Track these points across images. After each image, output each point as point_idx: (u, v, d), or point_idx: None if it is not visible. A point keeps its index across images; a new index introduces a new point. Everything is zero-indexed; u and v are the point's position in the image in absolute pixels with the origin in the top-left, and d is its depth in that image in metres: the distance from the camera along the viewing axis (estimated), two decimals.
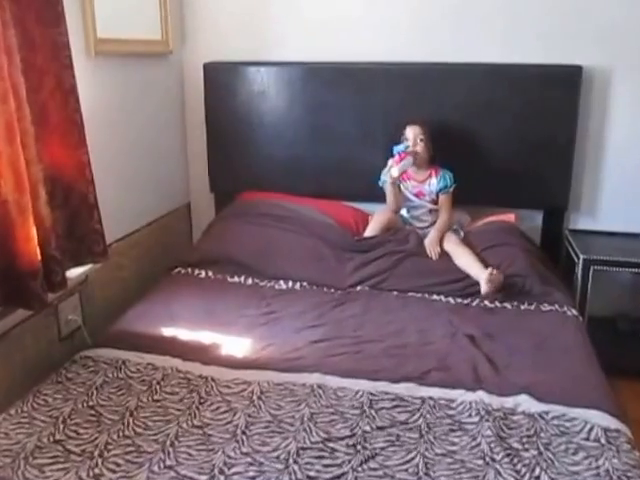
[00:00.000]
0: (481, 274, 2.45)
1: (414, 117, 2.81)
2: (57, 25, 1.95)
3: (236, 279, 2.62)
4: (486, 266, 2.48)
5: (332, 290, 2.54)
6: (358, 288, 2.55)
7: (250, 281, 2.61)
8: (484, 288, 2.41)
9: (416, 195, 2.86)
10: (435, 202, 2.85)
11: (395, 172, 2.65)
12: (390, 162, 2.70)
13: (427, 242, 2.71)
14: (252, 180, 3.18)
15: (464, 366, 1.99)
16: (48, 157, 1.97)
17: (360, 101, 2.97)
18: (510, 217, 2.92)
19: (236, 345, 2.14)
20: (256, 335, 2.18)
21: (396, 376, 1.93)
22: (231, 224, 2.93)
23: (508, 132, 2.89)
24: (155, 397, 1.85)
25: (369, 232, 2.82)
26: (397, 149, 2.69)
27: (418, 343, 2.14)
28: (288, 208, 2.98)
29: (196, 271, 2.67)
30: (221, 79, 3.12)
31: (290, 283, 2.59)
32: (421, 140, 2.76)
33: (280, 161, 3.12)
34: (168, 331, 2.20)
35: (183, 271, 2.68)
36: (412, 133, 2.76)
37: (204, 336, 2.18)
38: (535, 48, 2.87)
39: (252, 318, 2.31)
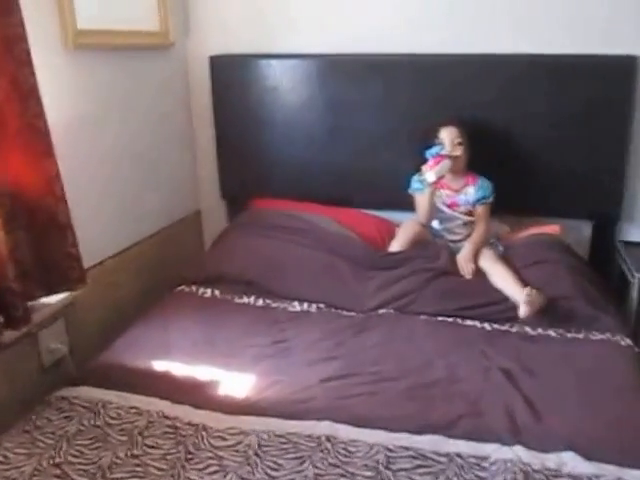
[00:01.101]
0: (519, 295, 2.31)
1: (449, 117, 2.68)
2: (8, 14, 1.74)
3: (245, 299, 2.52)
4: (525, 286, 2.33)
5: (352, 313, 2.42)
6: (381, 311, 2.42)
7: (260, 302, 2.50)
8: (522, 310, 2.26)
9: (449, 206, 2.74)
10: (470, 214, 2.73)
11: (432, 176, 2.51)
12: (424, 168, 2.58)
13: (460, 258, 2.58)
14: (265, 185, 3.12)
15: (499, 411, 1.82)
16: (3, 170, 1.81)
17: (385, 98, 2.86)
18: (554, 229, 2.78)
19: (237, 383, 1.98)
20: (261, 370, 2.04)
21: (419, 426, 1.75)
22: (240, 237, 2.84)
23: (551, 132, 2.74)
24: (134, 452, 1.67)
25: (395, 246, 2.71)
26: (430, 152, 2.56)
27: (446, 381, 1.98)
28: (304, 219, 2.88)
29: (201, 290, 2.57)
30: (229, 74, 3.04)
31: (305, 305, 2.48)
32: (459, 144, 2.62)
33: (295, 164, 3.04)
34: (160, 365, 2.06)
35: (187, 289, 2.58)
36: (448, 136, 2.63)
37: (201, 371, 2.03)
38: (582, 36, 2.71)
39: (259, 348, 2.18)
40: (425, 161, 2.60)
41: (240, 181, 3.17)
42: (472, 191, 2.69)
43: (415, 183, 2.72)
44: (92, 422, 1.78)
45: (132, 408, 1.83)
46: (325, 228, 2.83)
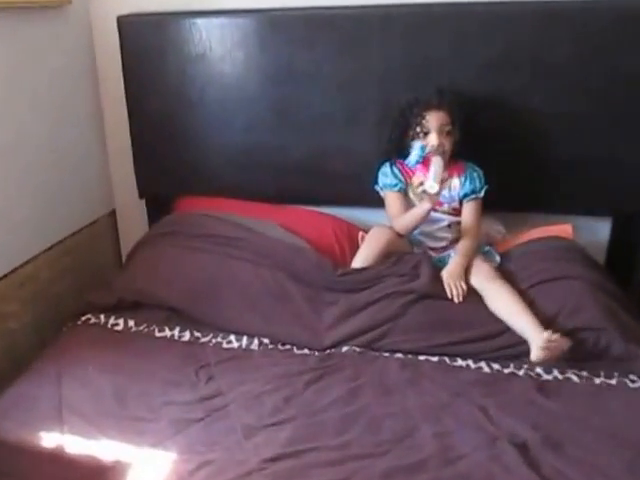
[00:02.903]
0: (532, 334, 2.12)
1: (437, 94, 2.52)
2: None
3: (167, 332, 2.36)
4: (536, 314, 2.17)
5: (305, 351, 2.26)
6: (344, 349, 2.25)
7: (187, 335, 2.34)
8: (536, 355, 2.08)
9: None
10: (456, 212, 2.58)
11: (434, 186, 2.36)
12: (415, 178, 2.51)
13: (446, 275, 2.40)
14: (193, 180, 2.98)
15: None
16: None
17: (345, 65, 2.69)
18: (565, 230, 2.64)
19: (149, 466, 1.75)
20: (184, 444, 1.81)
21: None
22: (161, 250, 2.66)
23: (562, 106, 2.59)
24: None
25: (360, 260, 2.52)
26: (413, 160, 2.47)
27: (437, 459, 1.73)
28: (242, 225, 2.73)
29: (111, 320, 2.40)
30: (143, 38, 2.85)
31: (244, 340, 2.31)
32: (448, 133, 2.49)
33: (231, 153, 2.91)
34: (47, 440, 1.83)
35: (93, 320, 2.40)
36: (436, 122, 2.48)
37: (103, 449, 1.80)
38: None
39: (183, 408, 1.96)
40: (401, 170, 2.55)
41: (161, 175, 3.02)
42: (458, 184, 2.56)
43: (385, 177, 2.59)
44: None
45: None
46: (269, 236, 2.70)
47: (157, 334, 2.34)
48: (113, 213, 3.19)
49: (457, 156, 2.56)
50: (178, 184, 3.00)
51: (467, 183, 2.53)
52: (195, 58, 2.79)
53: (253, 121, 2.84)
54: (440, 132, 2.48)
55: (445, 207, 2.56)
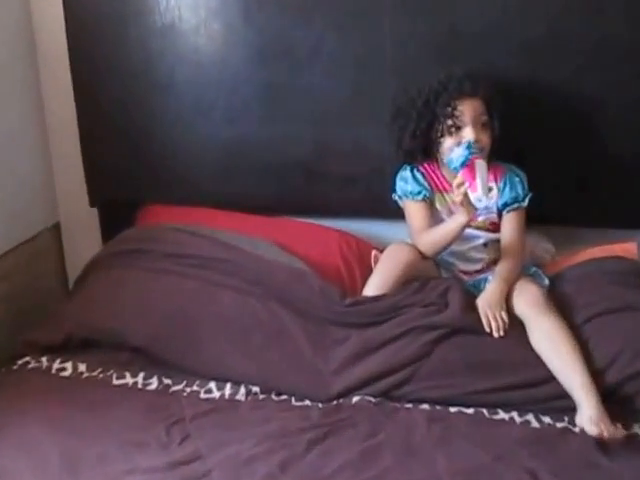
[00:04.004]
0: (583, 399, 2.12)
1: (470, 81, 2.50)
2: None
3: (129, 379, 2.34)
4: (591, 355, 2.21)
5: (306, 403, 2.25)
6: (355, 399, 2.23)
7: (155, 383, 2.33)
8: (584, 425, 2.06)
9: None
10: (495, 227, 2.61)
11: (483, 199, 2.41)
12: (457, 188, 2.41)
13: (483, 302, 2.40)
14: (162, 184, 2.99)
15: None
16: None
17: (351, 41, 2.73)
18: (629, 249, 2.67)
19: None
20: None
21: None
22: (120, 274, 2.66)
23: (625, 91, 2.61)
24: None
25: (374, 287, 2.52)
26: (457, 161, 2.45)
27: None
28: (225, 242, 2.73)
29: (57, 363, 2.39)
30: (94, 6, 2.85)
31: (228, 388, 2.31)
32: (483, 125, 2.49)
33: (209, 150, 2.92)
34: None
35: (33, 363, 2.40)
36: (471, 112, 2.48)
37: None
38: None
39: (151, 477, 1.92)
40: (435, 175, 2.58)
41: (119, 178, 3.04)
42: (496, 191, 2.59)
43: (405, 183, 2.60)
44: None
45: None
46: (260, 257, 2.69)
47: (116, 381, 2.32)
48: (57, 226, 3.17)
49: (494, 157, 2.57)
50: (141, 189, 2.99)
51: (507, 190, 2.54)
52: (161, 30, 2.78)
53: (236, 110, 2.84)
54: (475, 124, 2.48)
55: (480, 221, 2.58)
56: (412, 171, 2.58)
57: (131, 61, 2.86)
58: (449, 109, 2.49)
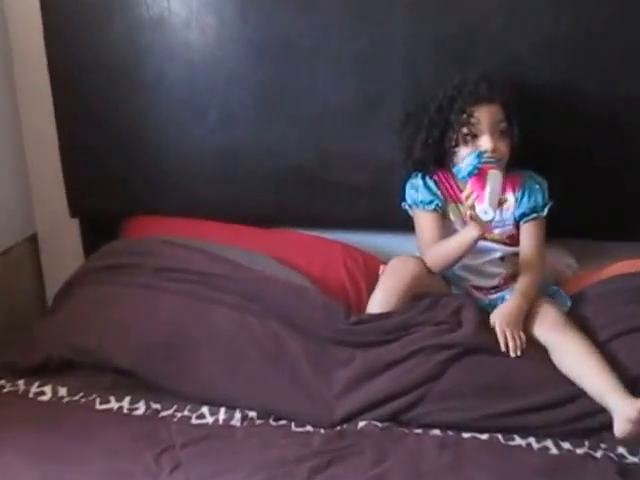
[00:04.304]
0: (617, 401, 2.11)
1: (487, 84, 2.49)
2: None
3: (114, 404, 2.31)
4: (619, 376, 2.17)
5: (308, 428, 2.22)
6: (360, 424, 2.20)
7: (142, 408, 2.30)
8: (622, 429, 2.07)
9: None
10: (513, 241, 2.60)
11: (490, 212, 2.37)
12: (466, 194, 2.43)
13: (500, 319, 2.39)
14: (149, 193, 3.00)
15: None
16: None
17: (358, 36, 2.70)
18: None
19: None
20: None
21: None
22: (104, 290, 2.65)
23: None
24: None
25: (377, 303, 2.52)
26: (465, 170, 2.45)
27: None
28: (220, 256, 2.74)
29: (34, 387, 2.37)
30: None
31: (222, 413, 2.27)
32: (502, 133, 2.47)
33: (202, 156, 2.92)
34: None
35: (9, 387, 2.37)
36: (488, 119, 2.48)
37: None
38: None
39: None
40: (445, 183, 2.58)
41: (102, 186, 3.02)
42: (513, 201, 2.59)
43: (415, 191, 2.61)
44: None
45: None
46: (259, 272, 2.70)
47: (99, 406, 2.29)
48: (34, 238, 3.18)
49: (515, 165, 2.58)
50: (126, 198, 3.00)
51: (525, 199, 2.54)
52: (149, 24, 2.77)
53: (232, 112, 2.83)
54: (493, 132, 2.48)
55: (497, 233, 2.59)
56: (424, 179, 2.59)
57: (116, 58, 2.84)
58: (464, 116, 2.49)
